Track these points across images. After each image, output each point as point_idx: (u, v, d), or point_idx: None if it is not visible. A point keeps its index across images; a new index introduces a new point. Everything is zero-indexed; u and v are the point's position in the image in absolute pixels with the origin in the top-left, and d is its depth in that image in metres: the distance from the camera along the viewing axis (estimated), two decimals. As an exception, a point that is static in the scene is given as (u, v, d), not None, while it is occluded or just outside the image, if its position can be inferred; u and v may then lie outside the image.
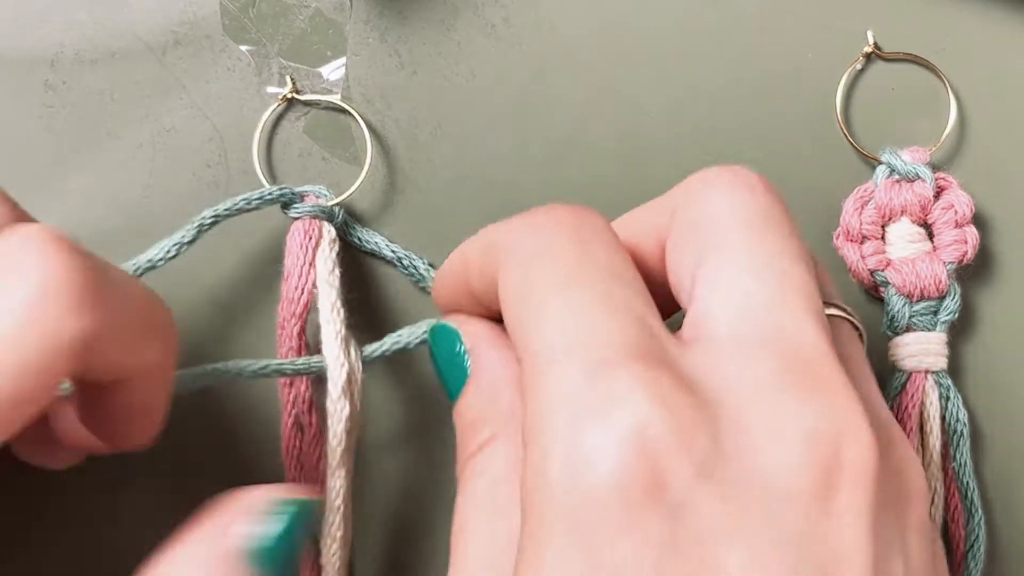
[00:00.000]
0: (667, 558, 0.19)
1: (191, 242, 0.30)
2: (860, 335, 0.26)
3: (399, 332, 0.30)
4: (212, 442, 0.32)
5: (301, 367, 0.29)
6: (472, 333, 0.26)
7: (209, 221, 0.30)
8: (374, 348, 0.30)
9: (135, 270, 0.30)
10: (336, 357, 0.29)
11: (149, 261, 0.30)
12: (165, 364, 0.25)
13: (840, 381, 0.21)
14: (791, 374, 0.21)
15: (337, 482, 0.29)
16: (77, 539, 0.32)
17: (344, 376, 0.29)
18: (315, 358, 0.30)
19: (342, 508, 0.29)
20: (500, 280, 0.24)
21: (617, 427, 0.20)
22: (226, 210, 0.30)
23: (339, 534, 0.29)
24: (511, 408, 0.25)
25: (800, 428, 0.20)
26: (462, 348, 0.26)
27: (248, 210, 0.31)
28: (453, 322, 0.27)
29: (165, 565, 0.23)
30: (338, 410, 0.29)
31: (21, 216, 0.24)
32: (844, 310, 0.25)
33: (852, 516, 0.20)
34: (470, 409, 0.26)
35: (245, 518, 0.23)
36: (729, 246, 0.23)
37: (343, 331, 0.30)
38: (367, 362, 0.30)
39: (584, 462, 0.20)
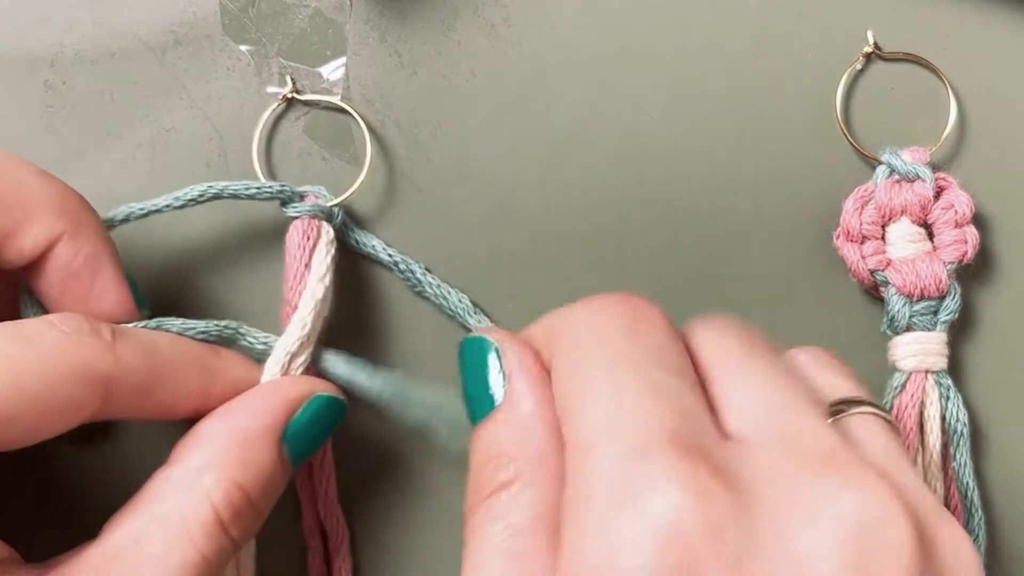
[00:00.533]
0: None
1: (181, 207, 0.30)
2: (891, 425, 0.25)
3: (356, 369, 0.30)
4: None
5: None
6: (516, 357, 0.25)
7: (208, 194, 0.30)
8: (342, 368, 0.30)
9: (124, 216, 0.30)
10: (273, 366, 0.29)
11: (132, 207, 0.30)
12: (76, 224, 0.27)
13: (865, 469, 0.21)
14: (819, 466, 0.21)
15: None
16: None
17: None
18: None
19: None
20: (554, 362, 0.24)
21: (652, 516, 0.20)
22: (226, 189, 0.30)
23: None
24: (542, 452, 0.24)
25: (834, 513, 0.20)
26: (500, 370, 0.26)
27: (247, 196, 0.31)
28: (494, 337, 0.26)
29: (212, 434, 0.27)
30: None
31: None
32: (872, 405, 0.25)
33: None
34: (495, 441, 0.25)
35: (284, 402, 0.28)
36: (733, 363, 0.24)
37: (295, 347, 0.30)
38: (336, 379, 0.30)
39: (619, 549, 0.20)
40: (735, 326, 0.25)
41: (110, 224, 0.30)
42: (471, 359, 0.26)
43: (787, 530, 0.20)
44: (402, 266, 0.32)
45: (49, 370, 0.25)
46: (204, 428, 0.27)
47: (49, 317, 0.26)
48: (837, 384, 0.26)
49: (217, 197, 0.30)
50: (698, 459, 0.21)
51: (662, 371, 0.23)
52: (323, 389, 0.29)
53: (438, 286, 0.32)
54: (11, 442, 0.25)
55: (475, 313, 0.32)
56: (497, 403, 0.25)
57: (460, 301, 0.32)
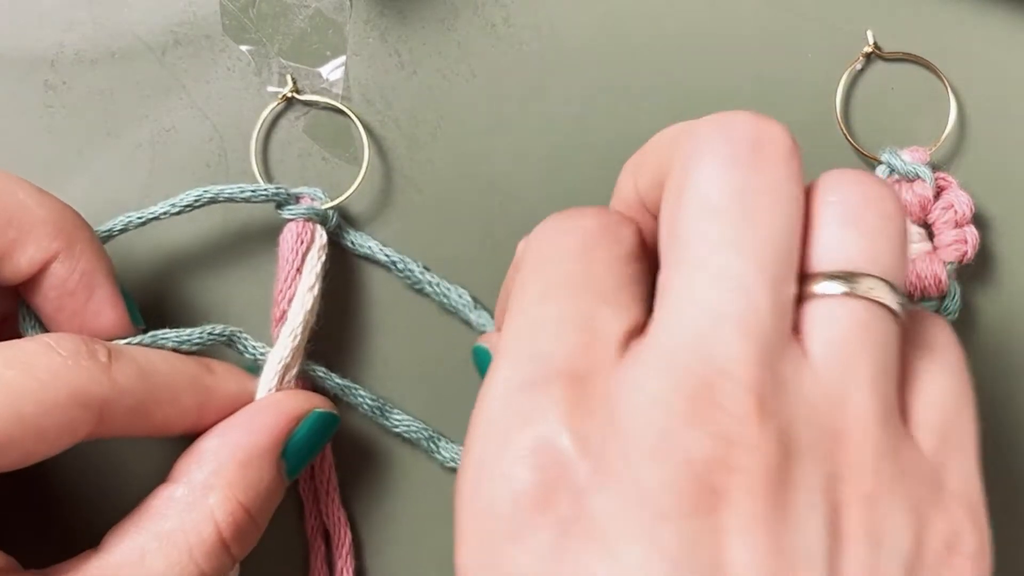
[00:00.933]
0: (550, 567, 0.21)
1: (178, 213, 0.30)
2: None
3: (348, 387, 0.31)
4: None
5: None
6: None
7: (204, 199, 0.30)
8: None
9: (123, 226, 0.30)
10: (268, 381, 0.30)
11: (130, 216, 0.30)
12: (73, 241, 0.28)
13: (737, 407, 0.21)
14: (688, 394, 0.21)
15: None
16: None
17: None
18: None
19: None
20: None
21: (522, 445, 0.22)
22: (221, 193, 0.30)
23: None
24: None
25: (681, 451, 0.21)
26: None
27: (242, 200, 0.31)
28: (486, 343, 0.28)
29: (215, 452, 0.28)
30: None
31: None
32: (875, 278, 0.23)
33: (739, 527, 0.20)
34: None
35: (284, 419, 0.29)
36: (689, 262, 0.22)
37: (288, 358, 0.30)
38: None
39: (490, 475, 0.22)
40: (727, 169, 0.23)
41: (108, 235, 0.30)
42: (481, 366, 0.30)
43: (640, 461, 0.21)
44: (400, 265, 0.32)
45: (47, 396, 0.25)
46: (206, 445, 0.28)
47: (46, 339, 0.26)
48: (849, 242, 0.23)
49: (213, 201, 0.31)
50: (582, 389, 0.22)
51: (591, 299, 0.23)
52: (320, 405, 0.30)
53: (437, 284, 0.32)
54: (7, 465, 0.25)
55: (476, 308, 0.32)
56: None
57: (460, 297, 0.32)
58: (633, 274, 0.24)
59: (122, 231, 0.30)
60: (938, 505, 0.23)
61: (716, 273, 0.22)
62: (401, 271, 0.32)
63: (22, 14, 0.33)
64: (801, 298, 0.23)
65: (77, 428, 0.26)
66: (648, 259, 0.25)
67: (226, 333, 0.30)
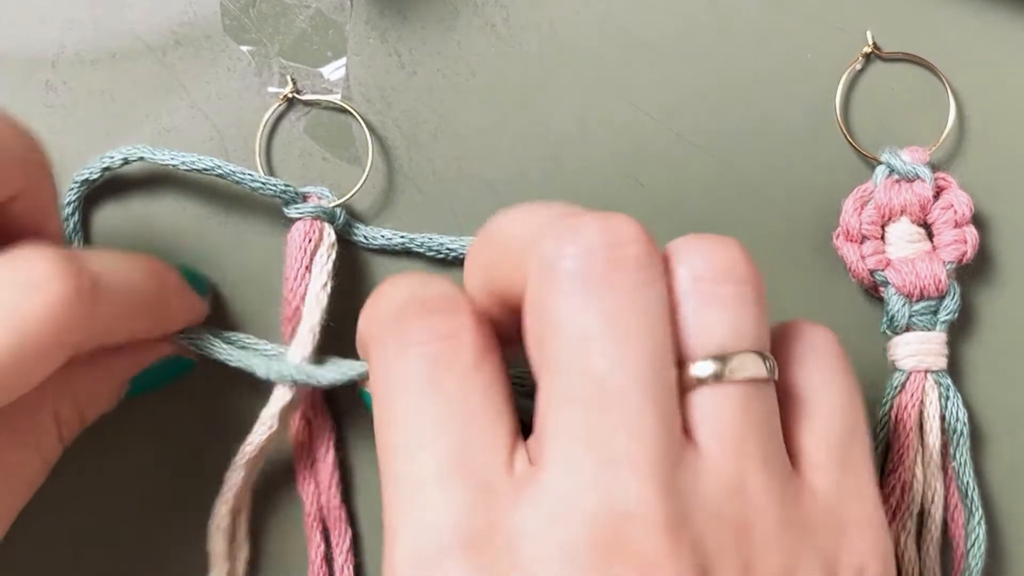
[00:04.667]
0: None
1: (187, 171, 0.31)
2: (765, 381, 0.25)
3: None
4: (220, 437, 0.32)
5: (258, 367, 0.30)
6: None
7: (215, 171, 0.31)
8: (332, 377, 0.30)
9: (123, 158, 0.31)
10: (280, 394, 0.30)
11: (141, 151, 0.31)
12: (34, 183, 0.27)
13: (648, 545, 0.21)
14: (596, 542, 0.21)
15: (236, 478, 0.30)
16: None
17: (280, 405, 0.30)
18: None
19: (231, 502, 0.30)
20: (371, 383, 0.25)
21: None
22: (233, 173, 0.31)
23: (224, 524, 0.30)
24: None
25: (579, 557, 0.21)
26: None
27: (250, 187, 0.31)
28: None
29: (79, 375, 0.29)
30: (265, 427, 0.30)
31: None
32: (763, 355, 0.24)
33: None
34: None
35: (145, 359, 0.30)
36: (558, 364, 0.23)
37: (309, 355, 0.30)
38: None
39: None
40: (578, 285, 0.23)
41: (125, 161, 0.31)
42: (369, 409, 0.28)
43: None
44: (419, 241, 0.32)
45: (27, 339, 0.24)
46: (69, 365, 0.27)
47: (10, 262, 0.25)
48: (712, 324, 0.24)
49: (222, 177, 0.31)
50: (482, 563, 0.22)
51: (460, 434, 0.23)
52: (171, 351, 0.31)
53: (461, 240, 0.32)
54: None
55: None
56: None
57: None
58: (488, 378, 0.24)
59: (123, 163, 0.31)
60: (842, 544, 0.24)
61: (599, 407, 0.22)
62: (421, 246, 0.32)
63: (22, 14, 0.33)
64: (681, 389, 0.23)
65: (52, 364, 0.25)
66: (496, 345, 0.25)
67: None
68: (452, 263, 0.32)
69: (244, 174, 0.31)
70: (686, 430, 0.23)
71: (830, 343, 0.27)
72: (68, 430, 0.29)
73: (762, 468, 0.23)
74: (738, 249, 0.24)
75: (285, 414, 0.30)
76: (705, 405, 0.23)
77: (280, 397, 0.30)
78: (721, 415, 0.23)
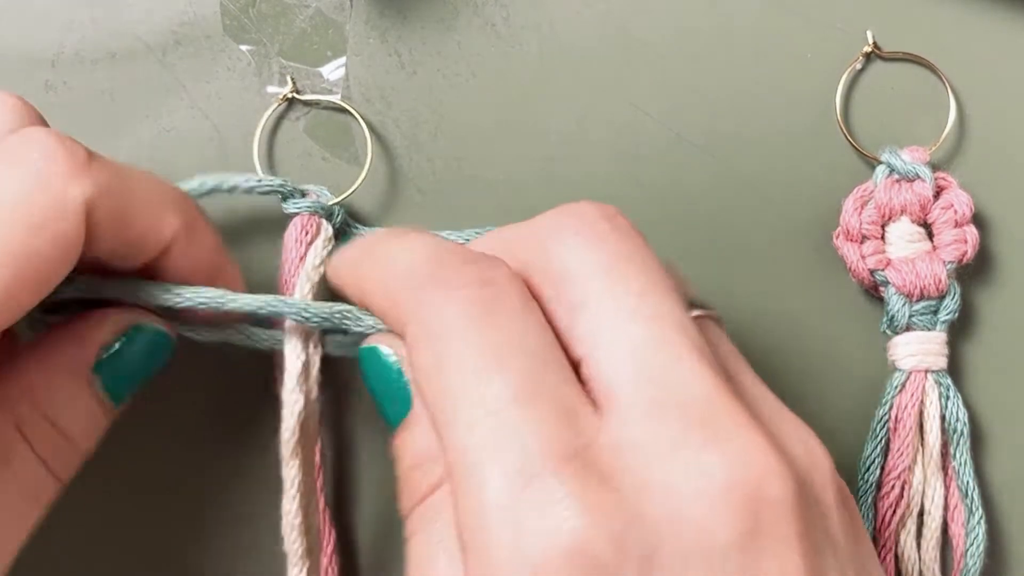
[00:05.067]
0: None
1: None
2: (720, 323, 0.26)
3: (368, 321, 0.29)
4: (211, 433, 0.32)
5: (264, 340, 0.29)
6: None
7: (206, 187, 0.30)
8: (341, 340, 0.29)
9: None
10: (294, 349, 0.29)
11: None
12: (192, 228, 0.27)
13: (742, 422, 0.22)
14: (697, 430, 0.22)
15: (291, 472, 0.28)
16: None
17: (299, 368, 0.28)
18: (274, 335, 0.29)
19: (298, 497, 0.29)
20: (412, 356, 0.24)
21: (558, 541, 0.20)
22: (224, 183, 0.30)
23: (297, 522, 0.29)
24: None
25: (716, 484, 0.21)
26: (403, 377, 0.26)
27: (245, 191, 0.30)
28: (388, 346, 0.26)
29: (27, 370, 0.26)
30: (291, 402, 0.28)
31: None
32: (704, 307, 0.26)
33: (781, 549, 0.21)
34: (414, 446, 0.26)
35: (97, 333, 0.27)
36: (595, 301, 0.23)
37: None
38: (334, 354, 0.30)
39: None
40: (590, 236, 0.24)
41: None
42: (373, 370, 0.27)
43: (681, 513, 0.21)
44: None
45: (32, 214, 0.24)
46: (15, 363, 0.27)
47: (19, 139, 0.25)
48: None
49: (215, 191, 0.30)
50: (587, 473, 0.21)
51: (533, 364, 0.23)
52: (145, 320, 0.27)
53: (460, 233, 0.31)
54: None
55: None
56: (409, 408, 0.26)
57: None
58: (537, 317, 0.24)
59: None
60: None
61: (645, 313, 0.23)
62: None
63: (22, 14, 0.33)
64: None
65: (68, 243, 0.24)
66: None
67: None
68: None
69: (237, 180, 0.30)
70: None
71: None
72: (46, 445, 0.26)
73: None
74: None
75: (306, 380, 0.29)
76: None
77: (294, 360, 0.29)
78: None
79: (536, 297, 0.24)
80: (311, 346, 0.29)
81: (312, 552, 0.29)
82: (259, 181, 0.30)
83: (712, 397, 0.22)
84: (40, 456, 0.26)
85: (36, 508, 0.26)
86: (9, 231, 0.23)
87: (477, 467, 0.22)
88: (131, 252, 0.26)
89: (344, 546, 0.32)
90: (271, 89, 0.33)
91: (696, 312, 0.25)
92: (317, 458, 0.31)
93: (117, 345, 0.27)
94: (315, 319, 0.28)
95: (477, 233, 0.31)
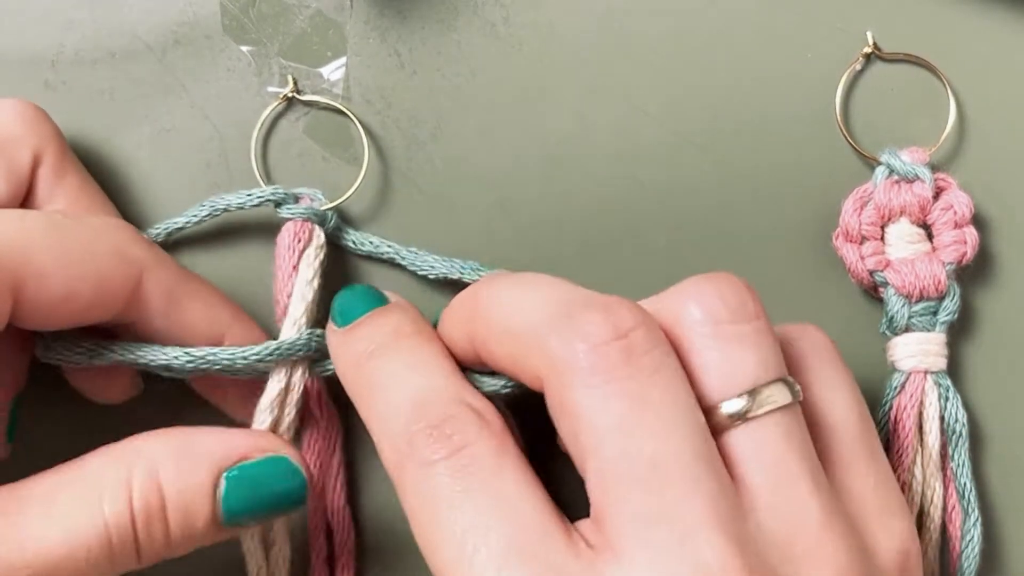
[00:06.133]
0: None
1: (180, 228, 0.31)
2: (794, 401, 0.25)
3: None
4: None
5: (241, 367, 0.29)
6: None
7: (218, 209, 0.31)
8: (328, 367, 0.30)
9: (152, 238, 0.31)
10: (277, 376, 0.30)
11: (158, 228, 0.31)
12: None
13: None
14: None
15: None
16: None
17: (276, 392, 0.29)
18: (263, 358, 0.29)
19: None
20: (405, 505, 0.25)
21: None
22: (230, 205, 0.31)
23: (256, 538, 0.30)
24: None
25: None
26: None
27: (237, 207, 0.31)
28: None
29: (159, 434, 0.27)
30: (259, 422, 0.29)
31: None
32: (787, 383, 0.25)
33: None
34: None
35: (240, 443, 0.27)
36: (604, 454, 0.23)
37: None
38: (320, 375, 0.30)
39: None
40: (609, 378, 0.24)
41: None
42: None
43: None
44: (403, 253, 0.32)
45: (98, 246, 0.27)
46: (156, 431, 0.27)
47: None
48: (731, 364, 0.25)
49: (211, 216, 0.31)
50: None
51: (508, 518, 0.24)
52: (288, 453, 0.27)
53: (447, 261, 0.32)
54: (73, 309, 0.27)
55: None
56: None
57: (473, 268, 0.32)
58: (514, 475, 0.24)
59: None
60: (880, 531, 0.25)
61: (659, 485, 0.23)
62: (405, 259, 0.32)
63: (22, 14, 0.33)
64: (715, 431, 0.24)
65: (124, 281, 0.27)
66: (509, 438, 0.25)
67: None
68: (435, 283, 0.32)
69: (236, 199, 0.31)
70: (729, 472, 0.24)
71: (825, 342, 0.28)
72: (146, 524, 0.26)
73: (813, 487, 0.24)
74: (744, 285, 0.25)
75: (282, 404, 0.29)
76: (745, 443, 0.24)
77: (275, 384, 0.29)
78: (763, 449, 0.24)
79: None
80: (295, 374, 0.30)
81: (276, 564, 0.30)
82: (249, 195, 0.31)
83: (720, 572, 0.22)
84: (132, 514, 0.26)
85: None
86: None
87: None
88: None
89: (360, 545, 0.32)
90: (271, 89, 0.33)
91: (762, 410, 0.24)
92: (336, 454, 0.31)
93: (253, 463, 0.27)
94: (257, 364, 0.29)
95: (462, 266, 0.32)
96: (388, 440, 0.26)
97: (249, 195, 0.31)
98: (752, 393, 0.24)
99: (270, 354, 0.29)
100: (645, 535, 0.22)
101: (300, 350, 0.29)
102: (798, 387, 0.25)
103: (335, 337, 0.28)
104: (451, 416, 0.25)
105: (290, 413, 0.30)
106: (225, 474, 0.26)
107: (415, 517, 0.25)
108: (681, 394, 0.24)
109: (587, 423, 0.23)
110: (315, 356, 0.30)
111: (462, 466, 0.24)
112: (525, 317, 0.25)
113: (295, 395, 0.30)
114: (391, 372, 0.27)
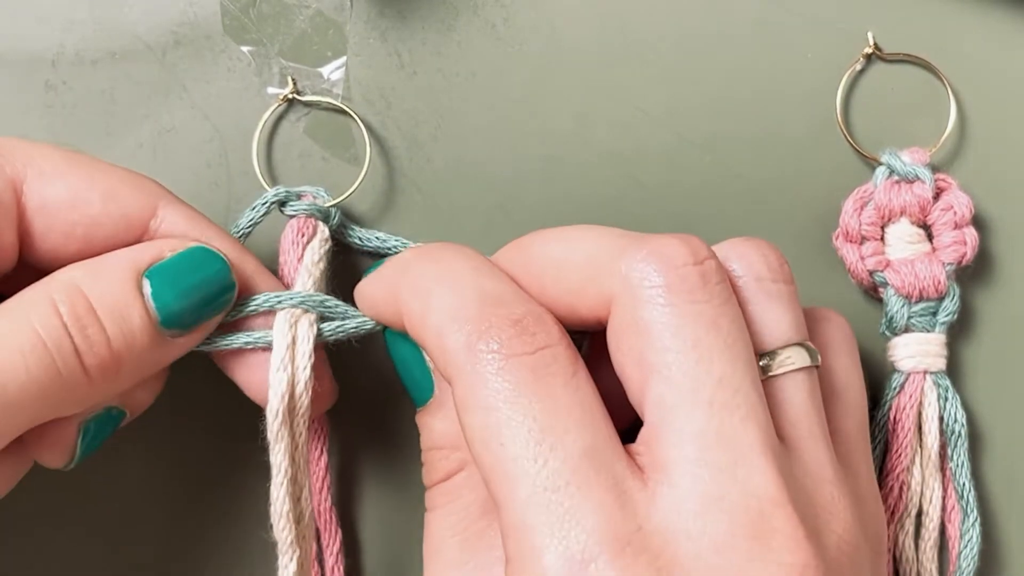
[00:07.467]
0: None
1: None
2: (813, 363, 0.26)
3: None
4: (207, 421, 0.32)
5: (244, 340, 0.29)
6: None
7: (244, 228, 0.31)
8: (334, 327, 0.29)
9: None
10: (281, 329, 0.28)
11: None
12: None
13: (791, 534, 0.23)
14: (747, 535, 0.22)
15: (277, 457, 0.28)
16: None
17: (284, 349, 0.28)
18: (260, 333, 0.29)
19: (285, 483, 0.28)
20: (461, 416, 0.24)
21: None
22: (250, 221, 0.31)
23: (286, 509, 0.28)
24: None
25: None
26: (425, 365, 0.28)
27: (248, 223, 0.30)
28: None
29: (79, 267, 0.26)
30: (276, 382, 0.28)
31: None
32: (807, 347, 0.26)
33: None
34: (434, 430, 0.27)
35: (154, 246, 0.27)
36: (672, 373, 0.24)
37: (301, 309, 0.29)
38: (329, 341, 0.29)
39: None
40: (679, 292, 0.24)
41: None
42: (396, 355, 0.29)
43: None
44: (411, 247, 0.32)
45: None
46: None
47: None
48: (771, 318, 0.26)
49: (240, 234, 0.31)
50: (636, 562, 0.22)
51: (582, 435, 0.23)
52: (200, 243, 0.28)
53: None
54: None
55: None
56: (431, 394, 0.28)
57: None
58: (588, 384, 0.24)
59: None
60: (867, 515, 0.26)
61: (724, 406, 0.23)
62: None
63: (22, 14, 0.33)
64: None
65: (138, 203, 0.27)
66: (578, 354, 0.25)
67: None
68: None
69: (242, 220, 0.31)
70: None
71: (847, 328, 0.29)
72: (80, 329, 0.25)
73: (826, 448, 0.25)
74: (779, 251, 0.27)
75: (292, 361, 0.28)
76: (781, 395, 0.25)
77: (280, 340, 0.28)
78: (791, 403, 0.25)
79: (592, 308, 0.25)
80: (301, 327, 0.29)
81: (303, 540, 0.29)
82: (254, 209, 0.30)
83: (768, 499, 0.23)
84: (63, 321, 0.25)
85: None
86: None
87: (535, 550, 0.22)
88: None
89: (349, 545, 0.32)
90: (271, 90, 0.33)
91: (786, 368, 0.25)
92: (323, 456, 0.31)
93: (170, 258, 0.27)
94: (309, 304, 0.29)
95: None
96: (459, 324, 0.24)
97: (254, 208, 0.30)
98: (783, 349, 0.25)
99: (263, 303, 0.29)
100: (702, 455, 0.23)
101: (294, 301, 0.29)
102: (819, 356, 0.26)
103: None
104: (533, 314, 0.25)
105: (305, 369, 0.28)
106: (145, 273, 0.26)
107: (483, 405, 0.24)
108: (744, 328, 0.25)
109: (659, 341, 0.24)
110: (321, 314, 0.29)
111: (544, 364, 0.24)
112: (593, 245, 0.25)
113: (305, 347, 0.29)
114: (459, 270, 0.26)
